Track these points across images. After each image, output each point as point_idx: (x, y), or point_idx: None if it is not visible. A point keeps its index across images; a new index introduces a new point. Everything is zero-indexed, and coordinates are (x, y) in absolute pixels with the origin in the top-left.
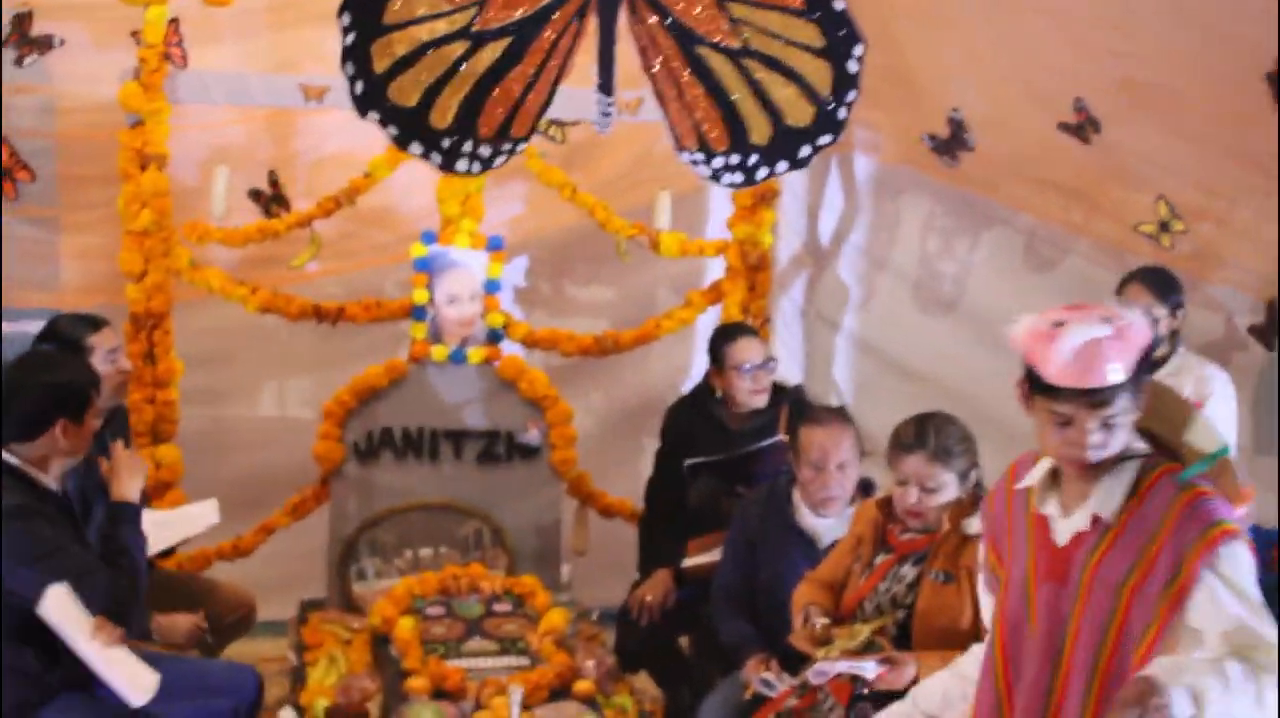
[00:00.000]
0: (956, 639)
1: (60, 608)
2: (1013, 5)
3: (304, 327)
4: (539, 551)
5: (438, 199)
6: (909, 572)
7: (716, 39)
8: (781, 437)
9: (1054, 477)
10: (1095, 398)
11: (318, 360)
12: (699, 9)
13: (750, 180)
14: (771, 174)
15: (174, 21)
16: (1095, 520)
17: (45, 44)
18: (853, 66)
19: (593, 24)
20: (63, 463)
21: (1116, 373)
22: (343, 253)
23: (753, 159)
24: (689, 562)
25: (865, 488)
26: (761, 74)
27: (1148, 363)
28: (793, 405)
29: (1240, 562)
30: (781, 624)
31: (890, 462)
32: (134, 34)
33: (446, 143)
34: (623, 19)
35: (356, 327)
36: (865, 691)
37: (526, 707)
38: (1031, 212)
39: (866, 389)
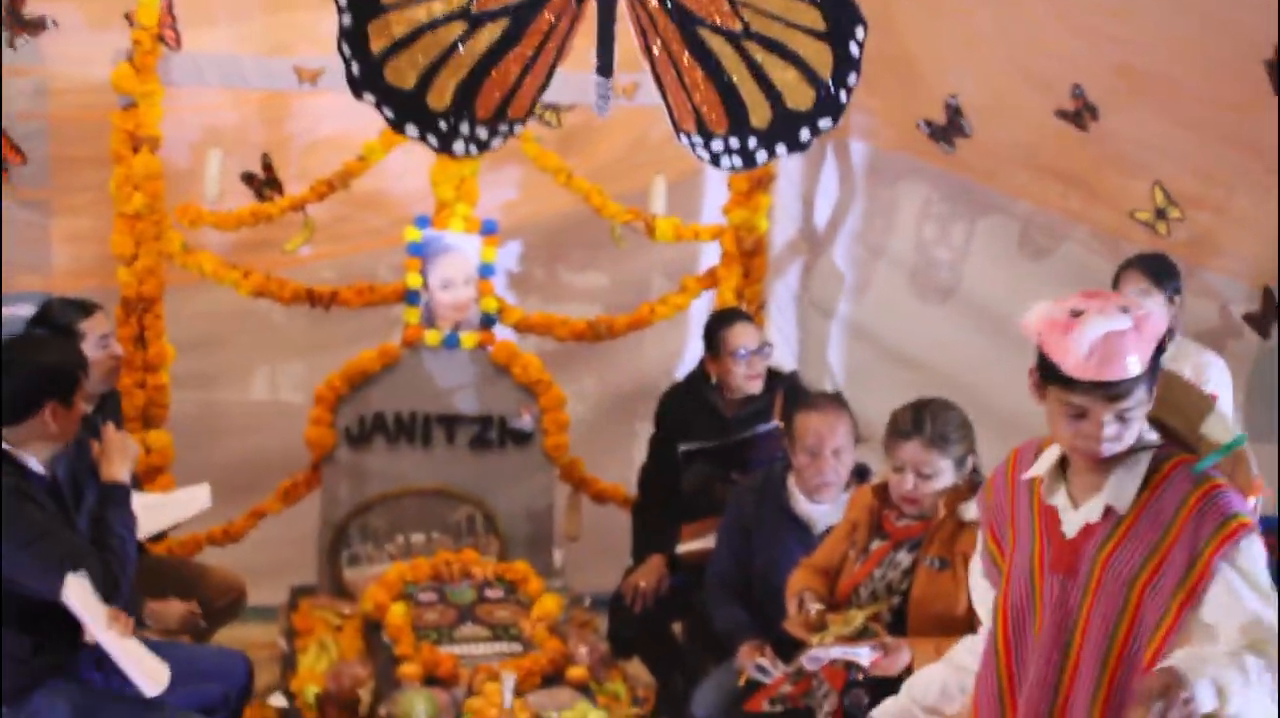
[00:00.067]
0: (952, 626)
1: (81, 595)
2: None
3: (296, 311)
4: (531, 536)
5: (432, 183)
6: (904, 558)
7: (716, 21)
8: (776, 423)
9: (1061, 467)
10: (1112, 391)
11: (310, 345)
12: None
13: (750, 164)
14: (771, 157)
15: (168, 3)
16: (1107, 512)
17: (38, 25)
18: (854, 49)
19: (591, 6)
20: (52, 447)
21: (1135, 366)
22: (336, 237)
23: (752, 142)
24: (683, 548)
25: (860, 474)
26: (762, 56)
27: (1162, 353)
28: (788, 391)
29: (1256, 556)
30: (776, 611)
31: (887, 448)
32: (127, 15)
33: (443, 125)
34: (622, 0)
35: (349, 311)
36: (859, 677)
37: (519, 693)
38: (1028, 198)
39: (860, 376)
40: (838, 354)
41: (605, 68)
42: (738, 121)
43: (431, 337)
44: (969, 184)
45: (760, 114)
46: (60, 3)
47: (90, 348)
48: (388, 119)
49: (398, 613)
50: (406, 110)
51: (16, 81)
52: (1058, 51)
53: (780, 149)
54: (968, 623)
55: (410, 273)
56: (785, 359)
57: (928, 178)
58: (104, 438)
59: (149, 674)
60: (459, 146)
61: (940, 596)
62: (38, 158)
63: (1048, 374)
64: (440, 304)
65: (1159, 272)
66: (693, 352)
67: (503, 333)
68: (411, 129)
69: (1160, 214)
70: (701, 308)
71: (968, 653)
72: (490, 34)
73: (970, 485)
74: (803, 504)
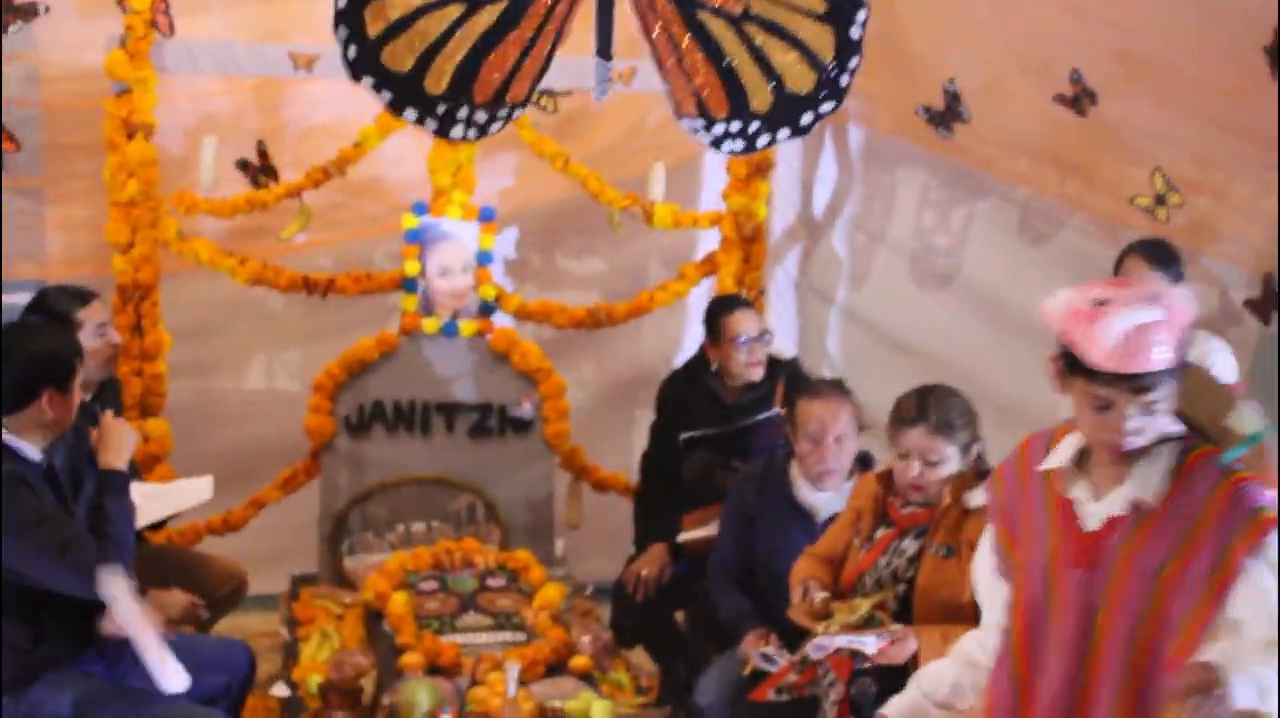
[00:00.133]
0: (958, 613)
1: (117, 587)
2: None
3: (292, 299)
4: (532, 525)
5: (429, 170)
6: (910, 546)
7: (717, 3)
8: (778, 410)
9: (1080, 458)
10: (1138, 383)
11: (306, 333)
12: None
13: (751, 148)
14: (773, 141)
15: None
16: (1132, 505)
17: (30, 11)
18: (855, 32)
19: None
20: (49, 435)
21: (1164, 358)
22: (332, 224)
23: (754, 126)
24: (685, 536)
25: (863, 462)
26: (762, 39)
27: (1188, 344)
28: (789, 378)
29: None
30: (779, 599)
31: (891, 435)
32: (120, 1)
33: (441, 109)
34: None
35: (345, 299)
36: (866, 665)
37: (523, 683)
38: (1027, 185)
39: (859, 362)
40: (837, 341)
41: (605, 51)
42: (739, 105)
43: (430, 324)
44: (967, 170)
45: (761, 97)
46: None
47: (88, 336)
48: (385, 103)
49: (399, 602)
50: (404, 94)
51: (10, 68)
52: (1056, 37)
53: (782, 133)
54: (974, 611)
55: (408, 260)
56: (784, 346)
57: (926, 164)
58: (102, 426)
59: (175, 673)
60: (457, 131)
61: (946, 583)
62: (31, 145)
63: (1072, 364)
64: (438, 292)
65: (1161, 257)
66: (691, 339)
67: (501, 320)
68: (409, 113)
69: (1160, 200)
70: (699, 295)
71: (976, 648)
72: (489, 16)
73: (975, 472)
74: (805, 492)
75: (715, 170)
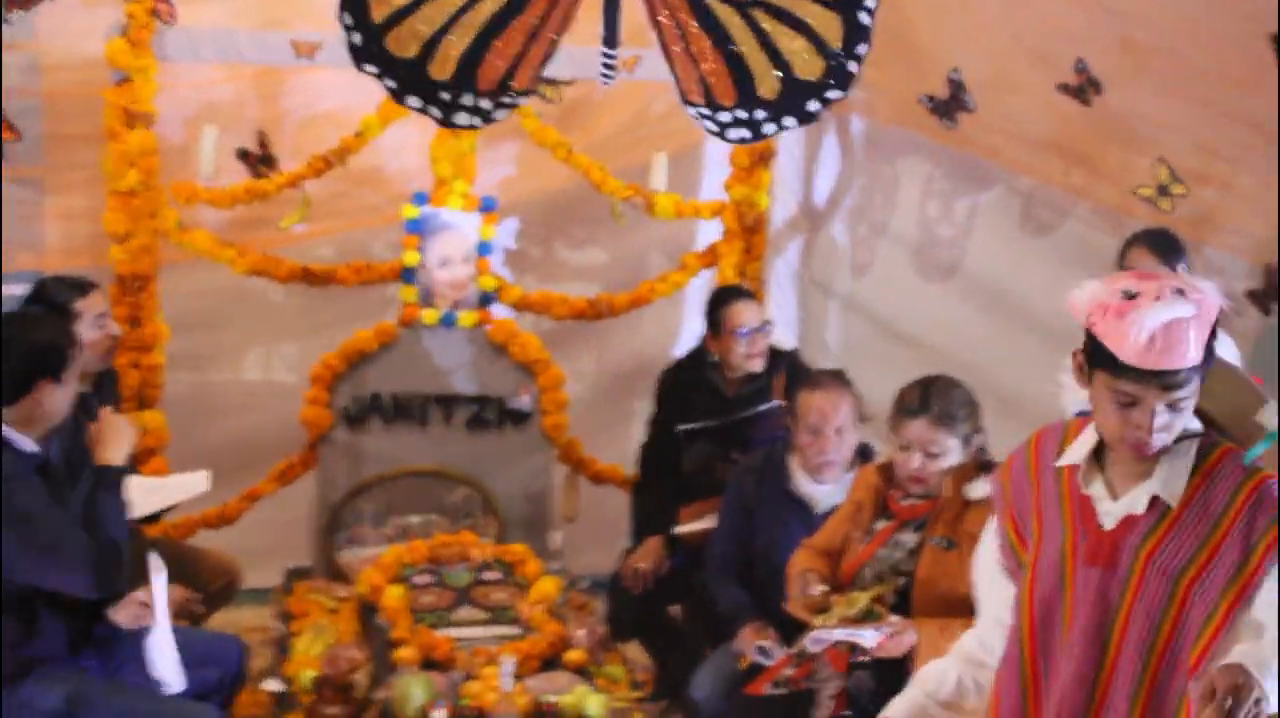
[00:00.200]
0: (958, 606)
1: (160, 575)
2: None
3: (291, 289)
4: (529, 518)
5: (431, 159)
6: (910, 538)
7: None
8: (778, 402)
9: (1096, 454)
10: (1168, 380)
11: (305, 324)
12: None
13: (758, 136)
14: (780, 129)
15: None
16: (1152, 503)
17: None
18: (864, 18)
19: None
20: (45, 426)
21: (1195, 354)
22: (332, 213)
23: (760, 114)
24: (682, 529)
25: (864, 454)
26: (770, 25)
27: (1215, 338)
28: (789, 370)
29: None
30: (777, 592)
31: (893, 426)
32: None
33: (446, 96)
34: None
35: (344, 290)
36: (863, 659)
37: (518, 677)
38: (1030, 174)
39: (860, 354)
40: (837, 332)
41: (611, 39)
42: (746, 93)
43: (429, 316)
44: (971, 159)
45: (768, 84)
46: None
47: (86, 327)
48: (389, 90)
49: (394, 596)
50: (408, 81)
51: (10, 57)
52: (1060, 25)
53: (789, 121)
54: (973, 603)
55: (408, 251)
56: (785, 338)
57: (929, 153)
58: (101, 420)
59: (176, 667)
60: (462, 118)
61: (946, 575)
62: (31, 135)
63: (1097, 359)
64: (438, 282)
65: (1165, 247)
66: (690, 330)
67: (501, 311)
68: (413, 100)
69: (1163, 190)
70: (699, 286)
71: (977, 646)
72: (493, 3)
73: (976, 464)
74: (804, 484)
75: (716, 160)
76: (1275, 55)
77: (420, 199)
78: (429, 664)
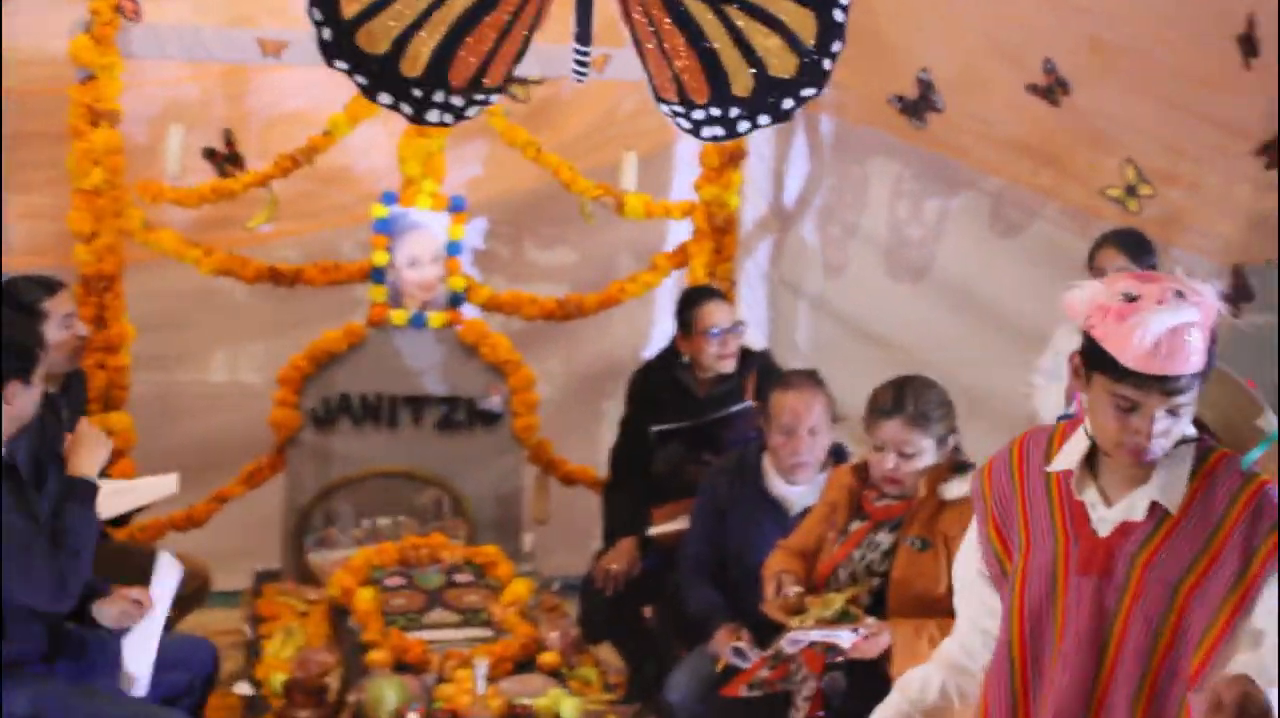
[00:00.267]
0: (933, 607)
1: (169, 572)
2: None
3: (257, 290)
4: (499, 520)
5: (399, 159)
6: (884, 539)
7: None
8: (750, 402)
9: (1088, 459)
10: (1170, 385)
11: (271, 325)
12: None
13: (732, 134)
14: (754, 127)
15: None
16: (1150, 509)
17: None
18: (838, 15)
19: None
20: (11, 428)
21: (1199, 358)
22: (299, 214)
23: (734, 111)
24: (655, 530)
25: (837, 454)
26: (744, 22)
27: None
28: (761, 370)
29: None
30: (751, 593)
31: (867, 427)
32: None
33: (417, 93)
34: None
35: (311, 291)
36: (838, 659)
37: (491, 680)
38: (999, 175)
39: (830, 355)
40: (807, 333)
41: (584, 35)
42: (719, 90)
43: (398, 316)
44: (940, 160)
45: (742, 82)
46: None
47: (54, 327)
48: (360, 86)
49: (365, 598)
50: (379, 78)
51: None
52: (1029, 25)
53: (763, 119)
54: (949, 604)
55: (376, 251)
56: (754, 338)
57: (898, 154)
58: (77, 431)
59: (149, 672)
60: (433, 116)
61: (921, 576)
62: None
63: (1096, 362)
64: (407, 283)
65: (1135, 247)
66: (660, 331)
67: (470, 312)
68: (385, 97)
69: (1131, 191)
70: (669, 287)
71: (960, 652)
72: None
73: (951, 464)
74: (778, 485)
75: (686, 160)
76: (1242, 56)
77: (389, 199)
78: (401, 667)
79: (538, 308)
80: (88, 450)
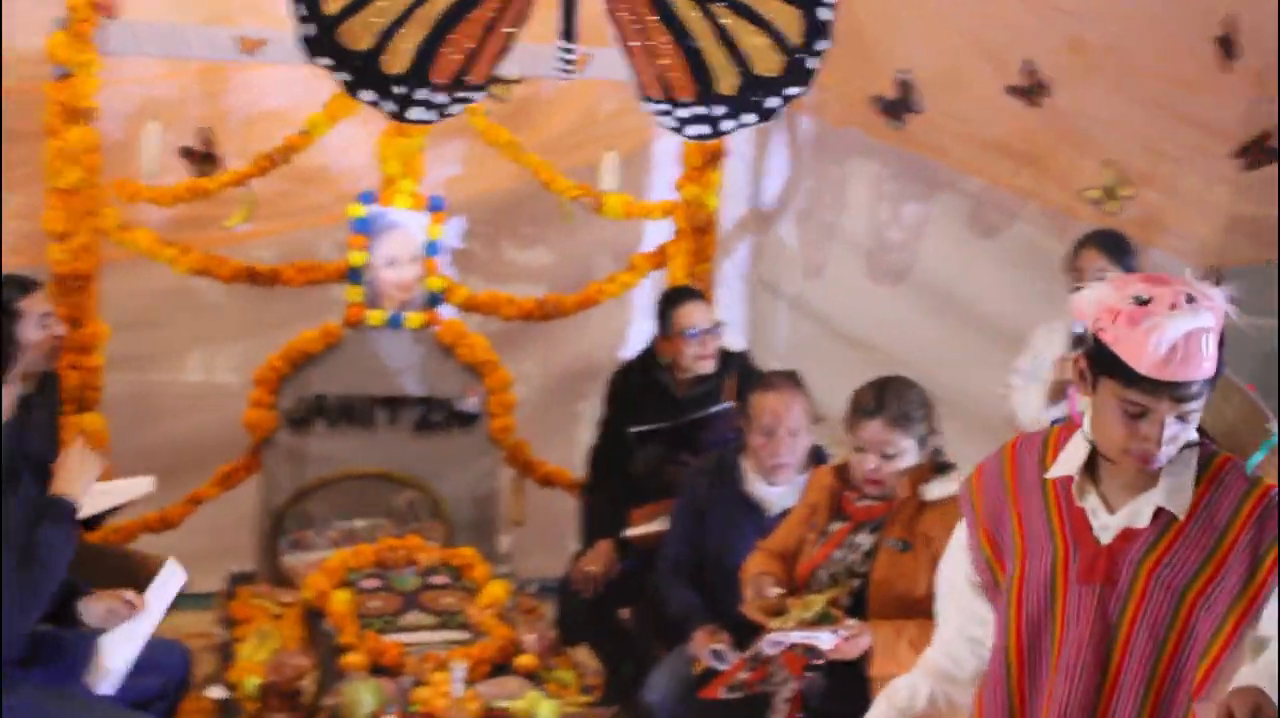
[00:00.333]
0: (913, 608)
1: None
2: None
3: (232, 290)
4: (476, 521)
5: (378, 158)
6: (865, 540)
7: None
8: (729, 403)
9: (1088, 465)
10: (1182, 391)
11: (247, 325)
12: None
13: (717, 132)
14: (739, 126)
15: None
16: (1155, 515)
17: None
18: (824, 14)
19: None
20: None
21: (1212, 364)
22: (276, 213)
23: (719, 110)
24: (633, 531)
25: (817, 456)
26: (730, 21)
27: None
28: (740, 371)
29: None
30: (730, 595)
31: (848, 428)
32: None
33: (400, 90)
34: None
35: (287, 291)
36: (818, 661)
37: (468, 682)
38: (979, 175)
39: (808, 355)
40: (785, 334)
41: (569, 32)
42: (704, 88)
43: (375, 316)
44: (919, 161)
45: (727, 80)
46: None
47: (31, 327)
48: (342, 83)
49: (341, 601)
50: (362, 75)
51: None
52: (1009, 25)
53: (748, 118)
54: (929, 605)
55: (354, 250)
56: (733, 339)
57: (878, 154)
58: (68, 449)
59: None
60: (415, 113)
61: (902, 577)
62: None
63: (1105, 367)
64: (385, 283)
65: (1116, 248)
66: (637, 332)
67: (448, 312)
68: (366, 94)
69: (1110, 192)
70: (646, 288)
71: (947, 660)
72: None
73: (933, 465)
74: (757, 486)
75: (664, 161)
76: (1222, 58)
77: (367, 198)
78: (377, 670)
79: (516, 308)
80: (76, 470)
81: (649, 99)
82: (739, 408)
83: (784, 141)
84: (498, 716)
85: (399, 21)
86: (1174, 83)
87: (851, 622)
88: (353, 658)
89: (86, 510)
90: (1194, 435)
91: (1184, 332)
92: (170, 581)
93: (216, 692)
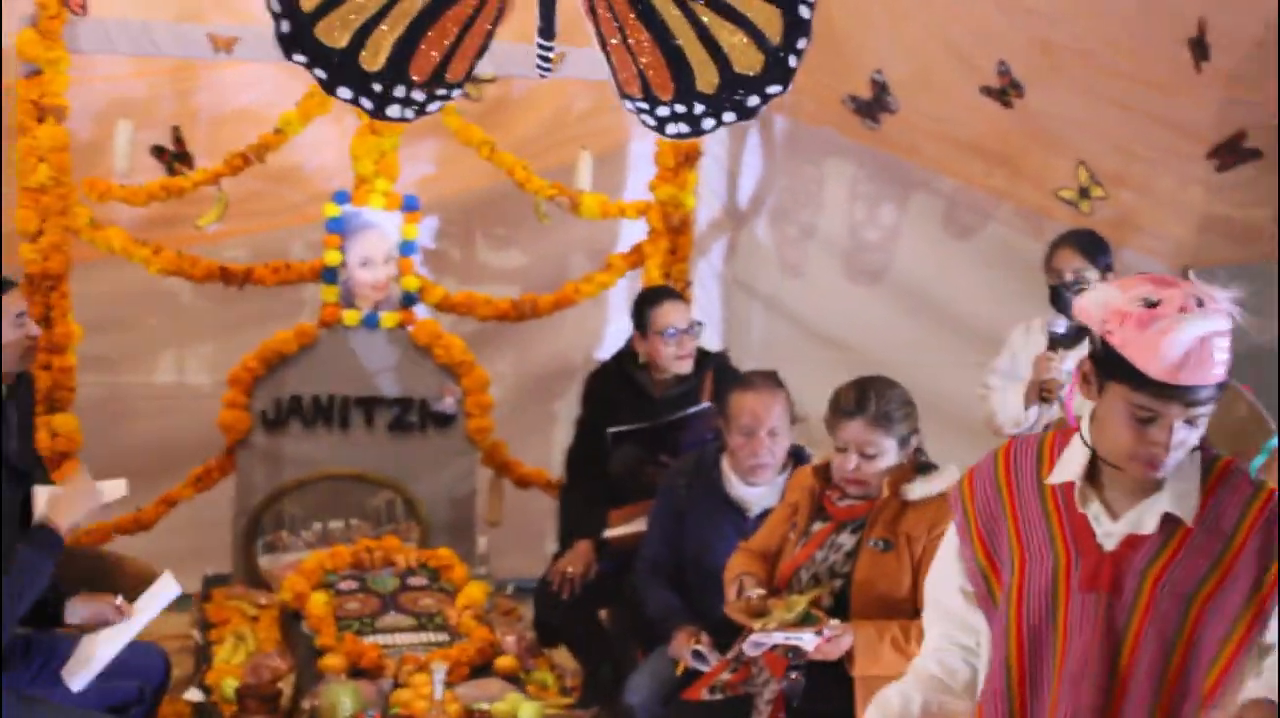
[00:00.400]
0: (896, 608)
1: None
2: None
3: (204, 290)
4: (452, 522)
5: (352, 157)
6: (847, 540)
7: None
8: (707, 404)
9: (1089, 471)
10: (1194, 395)
11: (219, 325)
12: None
13: (697, 130)
14: (719, 124)
15: None
16: (1161, 521)
17: None
18: (804, 12)
19: None
20: None
21: (1224, 369)
22: (249, 213)
23: (699, 108)
24: (611, 532)
25: (797, 456)
26: (709, 18)
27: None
28: (717, 371)
29: None
30: (710, 596)
31: (830, 427)
32: None
33: (377, 87)
34: None
35: (259, 291)
36: (799, 661)
37: (448, 684)
38: (953, 176)
39: (783, 355)
40: (761, 333)
41: (548, 30)
42: (684, 87)
43: (350, 316)
44: (893, 161)
45: (707, 78)
46: None
47: (6, 327)
48: (319, 80)
49: (319, 603)
50: (339, 72)
51: None
52: (983, 26)
53: (728, 116)
54: (912, 605)
55: (329, 250)
56: (709, 339)
57: (852, 154)
58: (70, 477)
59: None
60: (394, 111)
61: (884, 577)
62: None
63: (1113, 371)
64: (359, 283)
65: (1092, 248)
66: (613, 333)
67: (423, 312)
68: (344, 91)
69: (1083, 192)
70: (622, 288)
71: (939, 668)
72: None
73: (914, 465)
74: (737, 487)
75: (640, 161)
76: (1194, 59)
77: (341, 197)
78: (356, 672)
79: (492, 308)
80: (73, 503)
81: (628, 97)
82: (718, 408)
83: (758, 141)
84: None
85: (377, 18)
86: (1146, 84)
87: (834, 622)
88: (331, 660)
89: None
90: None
91: (1198, 335)
92: (163, 593)
93: (194, 695)
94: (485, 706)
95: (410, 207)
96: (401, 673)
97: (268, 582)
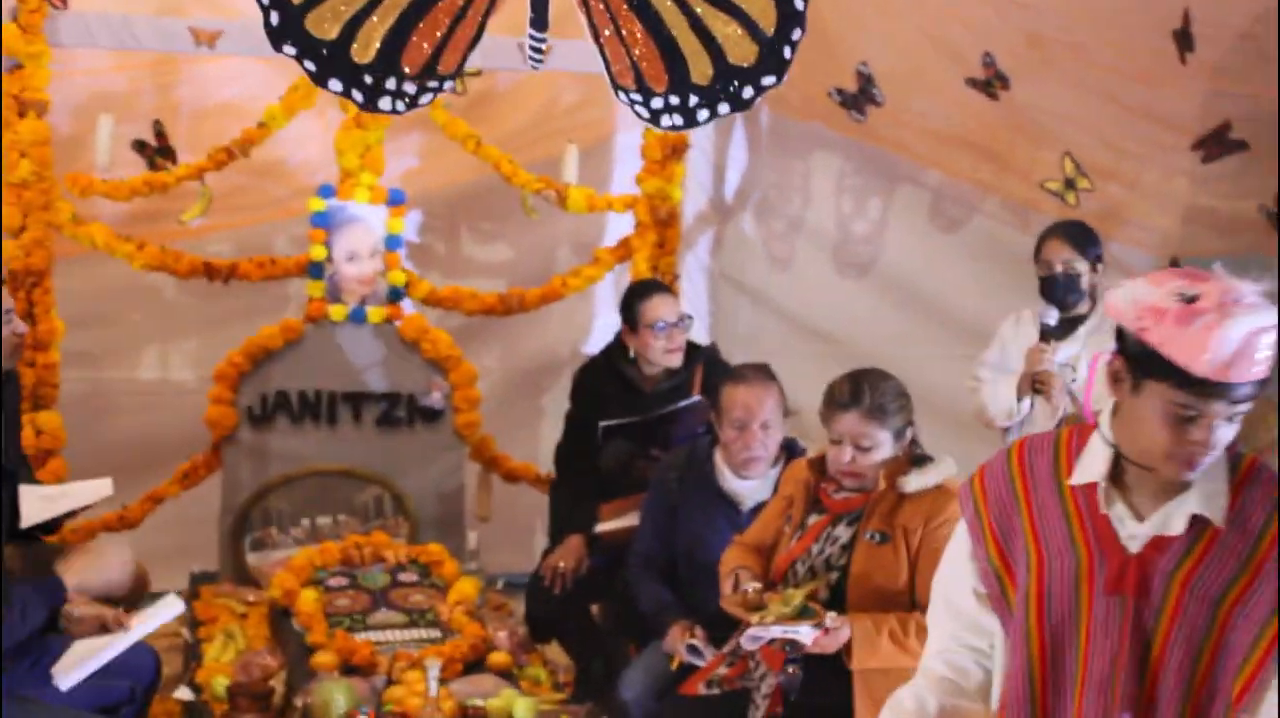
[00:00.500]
0: (892, 601)
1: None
2: None
3: (187, 285)
4: (441, 518)
5: (336, 151)
6: (843, 532)
7: None
8: (697, 397)
9: (1112, 470)
10: (1238, 393)
11: (203, 321)
12: None
13: (691, 122)
14: (713, 116)
15: None
16: (1191, 522)
17: None
18: (798, 3)
19: None
20: None
21: (1268, 365)
22: (233, 207)
23: (693, 100)
24: (603, 527)
25: (790, 449)
26: (703, 9)
27: None
28: (708, 365)
29: None
30: (702, 590)
31: (824, 420)
32: None
33: (368, 79)
34: None
35: (244, 286)
36: (796, 655)
37: (441, 681)
38: (939, 169)
39: (770, 348)
40: (748, 326)
41: (540, 21)
42: (678, 78)
43: (336, 311)
44: (880, 154)
45: (701, 70)
46: None
47: None
48: (309, 73)
49: (309, 599)
50: (329, 63)
51: None
52: (969, 18)
53: (723, 108)
54: (908, 598)
55: (314, 245)
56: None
57: (838, 147)
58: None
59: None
60: (385, 103)
61: (880, 570)
62: None
63: (1151, 369)
64: (345, 277)
65: (1082, 239)
66: (600, 327)
67: (410, 307)
68: (335, 83)
69: (1069, 185)
70: (609, 282)
71: (949, 669)
72: None
73: (909, 457)
74: (730, 480)
75: (626, 154)
76: (1179, 51)
77: (326, 192)
78: (348, 669)
79: (479, 303)
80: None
81: (621, 89)
82: (709, 402)
83: (744, 135)
84: (473, 714)
85: (368, 9)
86: (1132, 77)
87: (831, 615)
88: (323, 658)
89: (45, 516)
90: None
91: (1247, 331)
92: (164, 612)
93: (184, 693)
94: (479, 702)
95: (396, 201)
96: (394, 670)
97: (256, 579)
